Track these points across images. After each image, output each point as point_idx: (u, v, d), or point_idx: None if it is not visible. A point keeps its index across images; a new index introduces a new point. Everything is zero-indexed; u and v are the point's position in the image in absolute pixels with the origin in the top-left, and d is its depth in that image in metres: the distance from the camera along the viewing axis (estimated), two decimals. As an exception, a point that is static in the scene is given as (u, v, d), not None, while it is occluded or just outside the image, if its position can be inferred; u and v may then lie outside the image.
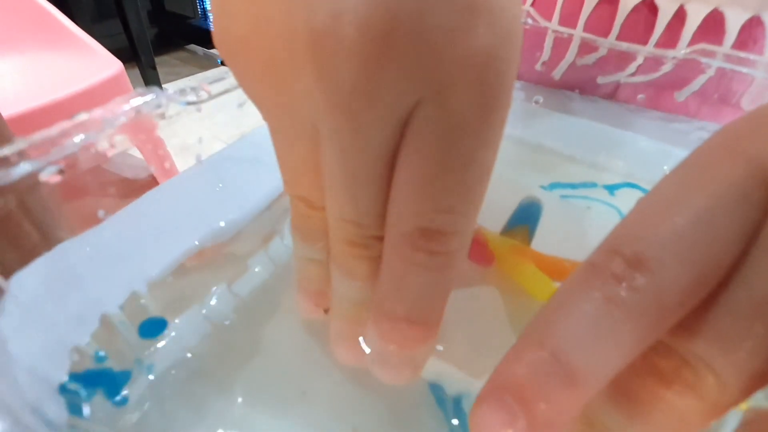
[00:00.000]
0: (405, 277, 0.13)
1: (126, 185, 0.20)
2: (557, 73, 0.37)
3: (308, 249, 0.16)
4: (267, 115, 0.13)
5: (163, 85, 1.62)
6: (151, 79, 1.56)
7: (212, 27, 0.13)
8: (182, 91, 0.15)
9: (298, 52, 0.11)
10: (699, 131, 0.33)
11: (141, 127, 0.15)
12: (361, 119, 0.11)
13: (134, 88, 0.89)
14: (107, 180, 0.16)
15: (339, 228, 0.13)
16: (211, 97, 0.16)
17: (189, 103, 0.15)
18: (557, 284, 0.19)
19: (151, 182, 0.23)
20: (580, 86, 0.37)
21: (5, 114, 0.90)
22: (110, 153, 0.14)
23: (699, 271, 0.10)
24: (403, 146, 0.11)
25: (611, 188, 0.25)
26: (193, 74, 1.82)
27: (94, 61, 1.06)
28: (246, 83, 0.13)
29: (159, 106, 0.14)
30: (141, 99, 0.14)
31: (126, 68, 1.04)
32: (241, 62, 0.12)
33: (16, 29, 1.15)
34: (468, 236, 0.13)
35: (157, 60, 1.58)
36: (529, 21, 0.32)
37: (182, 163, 0.23)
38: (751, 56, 0.28)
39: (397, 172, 0.12)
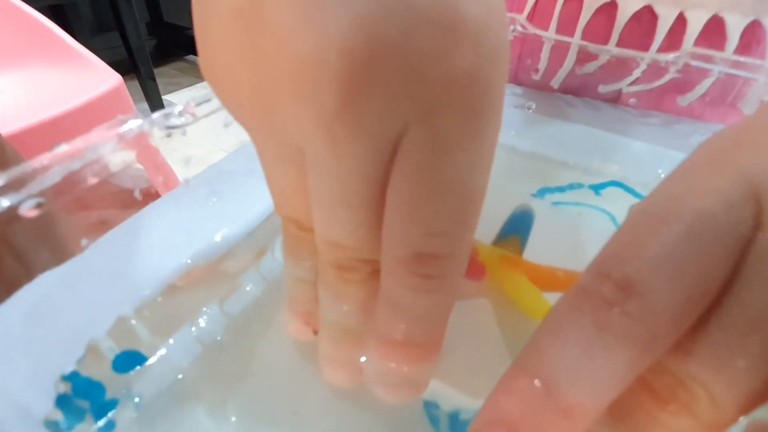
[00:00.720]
0: (402, 301, 0.13)
1: (127, 196, 0.20)
2: (555, 82, 0.37)
3: (299, 269, 0.16)
4: (254, 138, 0.13)
5: (162, 96, 1.62)
6: (150, 90, 1.57)
7: (198, 54, 0.13)
8: (167, 115, 0.15)
9: (284, 79, 0.11)
10: (701, 133, 0.33)
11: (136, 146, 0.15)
12: (346, 144, 0.11)
13: (134, 100, 0.90)
14: (108, 191, 0.16)
15: (327, 251, 0.13)
16: (197, 119, 0.16)
17: (172, 127, 0.15)
18: (548, 296, 0.19)
19: (153, 193, 0.23)
20: (581, 92, 0.37)
21: (6, 131, 0.90)
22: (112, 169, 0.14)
23: (690, 292, 0.10)
24: (394, 170, 0.11)
25: (596, 188, 0.25)
26: (192, 84, 1.83)
27: (94, 75, 1.07)
28: (232, 109, 0.13)
29: (143, 131, 0.14)
30: (125, 126, 0.14)
31: (125, 80, 1.05)
32: (228, 89, 0.12)
33: (15, 45, 1.16)
34: (464, 258, 0.13)
35: (157, 71, 1.59)
36: (519, 28, 0.31)
37: (183, 172, 0.23)
38: (752, 60, 0.28)
39: (388, 196, 0.12)
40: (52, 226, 0.13)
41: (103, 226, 0.19)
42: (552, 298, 0.19)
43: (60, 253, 0.15)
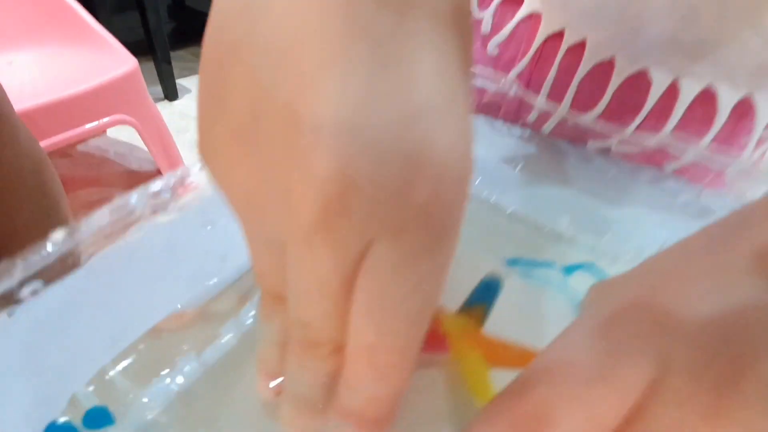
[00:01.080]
0: (359, 381, 0.15)
1: (131, 177, 0.21)
2: (547, 128, 0.38)
3: (272, 333, 0.18)
4: (241, 222, 0.15)
5: (177, 80, 1.63)
6: (165, 73, 1.57)
7: (197, 141, 0.14)
8: (155, 194, 0.16)
9: (274, 192, 0.13)
10: (687, 193, 0.33)
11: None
12: (322, 252, 0.13)
13: (148, 82, 0.90)
14: (113, 171, 0.17)
15: (297, 327, 0.15)
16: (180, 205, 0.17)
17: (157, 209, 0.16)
18: (499, 373, 0.20)
19: (155, 174, 0.24)
20: (573, 140, 0.38)
21: (20, 107, 0.91)
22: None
23: (598, 423, 0.11)
24: (361, 274, 0.13)
25: (568, 270, 0.26)
26: (207, 70, 1.83)
27: (111, 57, 1.08)
28: (225, 195, 0.15)
29: (131, 213, 0.15)
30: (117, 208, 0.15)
31: (141, 61, 1.06)
32: (223, 180, 0.14)
33: (37, 23, 1.17)
34: (415, 351, 0.14)
35: (173, 54, 1.59)
36: (513, 93, 0.32)
37: (190, 155, 0.24)
38: (726, 154, 0.29)
39: (356, 293, 0.13)
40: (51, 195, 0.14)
41: (103, 202, 0.19)
42: (502, 375, 0.20)
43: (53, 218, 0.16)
